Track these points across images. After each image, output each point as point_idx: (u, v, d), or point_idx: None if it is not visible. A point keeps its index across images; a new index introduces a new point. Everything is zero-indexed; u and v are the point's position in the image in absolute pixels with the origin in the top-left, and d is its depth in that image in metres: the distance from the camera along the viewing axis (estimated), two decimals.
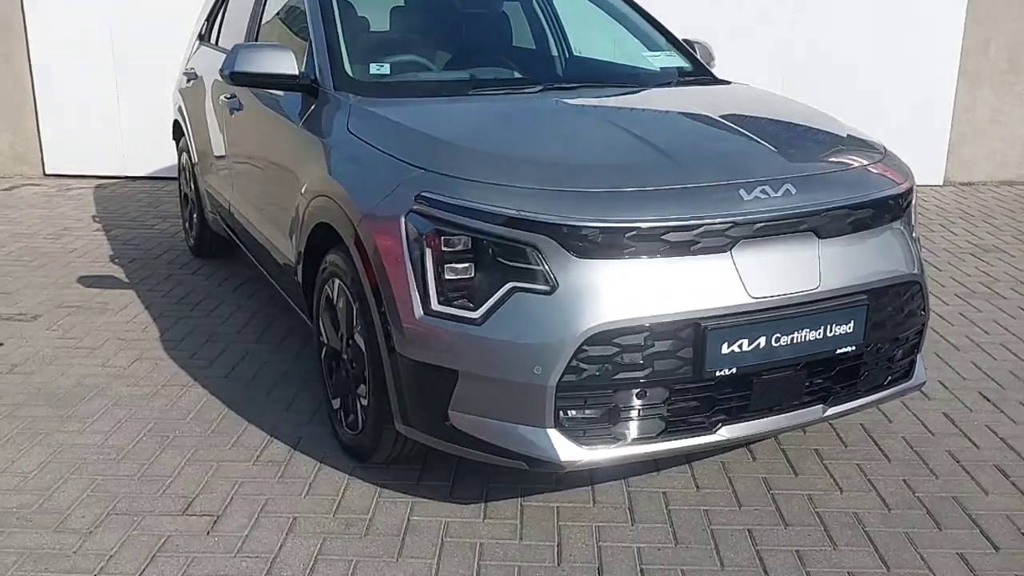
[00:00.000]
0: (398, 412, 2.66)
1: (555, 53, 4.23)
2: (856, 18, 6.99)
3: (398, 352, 2.58)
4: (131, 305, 4.54)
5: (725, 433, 2.54)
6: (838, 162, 2.79)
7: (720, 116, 3.00)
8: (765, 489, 2.84)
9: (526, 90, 3.31)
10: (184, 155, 5.33)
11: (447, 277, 2.47)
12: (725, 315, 2.44)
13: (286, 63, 3.25)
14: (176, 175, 5.76)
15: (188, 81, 5.06)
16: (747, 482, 2.88)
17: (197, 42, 5.22)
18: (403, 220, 2.55)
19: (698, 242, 2.42)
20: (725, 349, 2.44)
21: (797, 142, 2.87)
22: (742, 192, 2.50)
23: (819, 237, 2.57)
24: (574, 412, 2.44)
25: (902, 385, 2.86)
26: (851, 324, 2.58)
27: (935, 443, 3.13)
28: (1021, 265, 5.24)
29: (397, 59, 3.61)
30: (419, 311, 2.51)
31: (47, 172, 7.55)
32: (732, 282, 2.46)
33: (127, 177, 7.58)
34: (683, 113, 3.20)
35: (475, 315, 2.44)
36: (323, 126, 3.16)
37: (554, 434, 2.43)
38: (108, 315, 4.40)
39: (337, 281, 2.94)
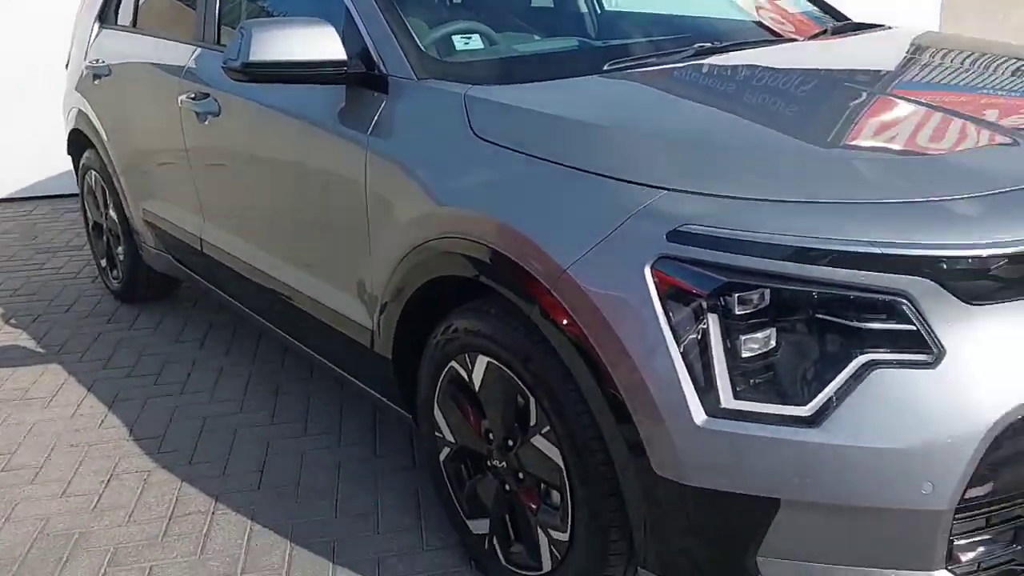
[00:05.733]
0: (653, 559, 1.75)
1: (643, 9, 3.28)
2: None
3: (658, 474, 1.66)
4: (64, 388, 3.33)
5: None
6: None
7: (999, 65, 2.20)
8: None
9: (676, 58, 2.36)
10: (92, 174, 4.08)
11: (745, 355, 1.57)
12: None
13: (328, 44, 2.22)
14: (75, 194, 4.52)
15: (95, 78, 3.80)
16: None
17: (96, 25, 3.95)
18: (649, 273, 1.62)
19: None
20: None
21: None
22: None
23: None
24: (969, 540, 1.60)
25: None
26: None
27: None
28: None
29: (455, 28, 2.58)
30: (700, 413, 1.59)
31: None
32: None
33: None
34: (954, 68, 2.34)
35: (804, 410, 1.55)
36: (415, 133, 2.16)
37: None
38: (36, 409, 3.18)
39: (485, 359, 1.98)
